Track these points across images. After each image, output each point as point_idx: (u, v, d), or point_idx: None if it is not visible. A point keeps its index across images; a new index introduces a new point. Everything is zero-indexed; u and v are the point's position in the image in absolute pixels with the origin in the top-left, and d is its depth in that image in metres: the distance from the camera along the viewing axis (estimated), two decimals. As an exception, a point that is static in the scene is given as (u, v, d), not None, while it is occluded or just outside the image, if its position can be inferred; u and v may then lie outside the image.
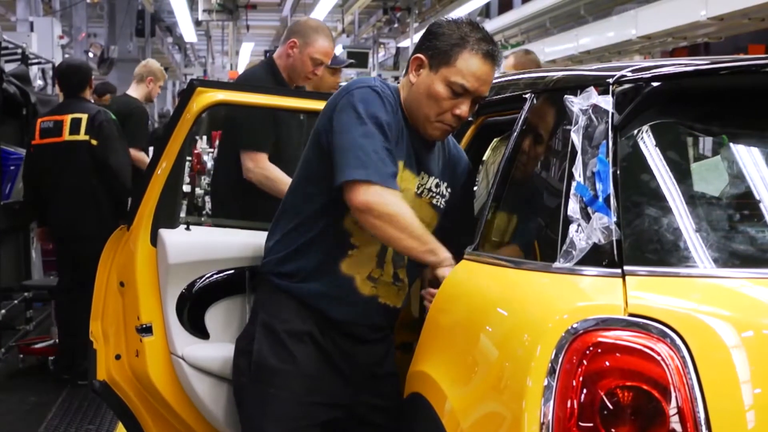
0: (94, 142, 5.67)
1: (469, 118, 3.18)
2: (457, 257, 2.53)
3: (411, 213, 2.49)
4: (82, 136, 5.67)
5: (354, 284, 2.66)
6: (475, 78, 2.56)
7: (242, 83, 4.02)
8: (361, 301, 2.68)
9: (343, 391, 2.72)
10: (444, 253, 2.52)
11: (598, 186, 2.05)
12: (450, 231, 2.72)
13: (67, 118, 5.72)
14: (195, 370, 3.00)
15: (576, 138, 2.14)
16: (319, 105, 3.28)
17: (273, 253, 2.75)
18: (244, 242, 3.11)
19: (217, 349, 3.01)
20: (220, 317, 3.07)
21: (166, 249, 3.00)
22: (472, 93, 2.58)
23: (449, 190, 2.75)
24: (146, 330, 3.00)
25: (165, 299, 3.01)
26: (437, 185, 2.71)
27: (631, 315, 1.86)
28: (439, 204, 2.72)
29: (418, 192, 2.66)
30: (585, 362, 1.82)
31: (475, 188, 3.36)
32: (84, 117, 5.68)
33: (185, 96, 3.04)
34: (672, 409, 1.78)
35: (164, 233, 3.04)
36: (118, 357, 3.11)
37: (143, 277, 3.02)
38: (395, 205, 2.46)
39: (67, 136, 5.70)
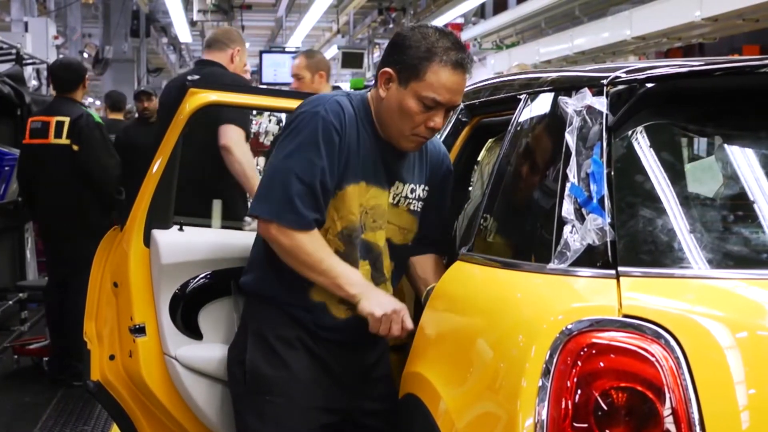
0: (75, 147, 5.64)
1: (464, 119, 3.20)
2: (442, 252, 2.64)
3: (313, 247, 2.48)
4: (64, 140, 5.65)
5: (327, 310, 2.62)
6: (446, 90, 2.50)
7: (237, 84, 4.01)
8: (342, 324, 2.63)
9: (339, 396, 2.68)
10: (356, 288, 2.50)
11: (593, 187, 2.05)
12: (424, 231, 2.74)
13: (53, 121, 5.70)
14: (188, 370, 3.00)
15: (570, 139, 2.14)
16: None
17: (250, 272, 2.74)
18: (237, 243, 3.10)
19: (210, 350, 3.01)
20: (213, 318, 3.07)
21: (159, 249, 3.00)
22: (444, 105, 2.53)
23: (426, 189, 2.72)
24: (139, 330, 3.00)
25: (158, 300, 3.01)
26: (413, 190, 2.67)
27: (625, 316, 1.87)
28: (417, 209, 2.70)
29: (394, 202, 2.63)
30: (579, 363, 1.82)
31: (470, 188, 3.36)
32: (66, 121, 5.66)
33: (178, 97, 3.04)
34: (666, 410, 1.78)
35: (157, 234, 3.04)
36: (112, 357, 3.11)
37: (136, 278, 3.02)
38: (290, 245, 2.48)
39: (52, 138, 5.69)
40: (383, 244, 2.65)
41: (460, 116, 3.20)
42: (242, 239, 3.08)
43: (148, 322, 3.01)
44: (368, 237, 2.60)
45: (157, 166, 3.03)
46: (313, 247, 2.48)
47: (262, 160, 7.38)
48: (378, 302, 2.49)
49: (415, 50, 2.49)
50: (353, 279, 2.51)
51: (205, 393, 3.01)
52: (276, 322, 2.65)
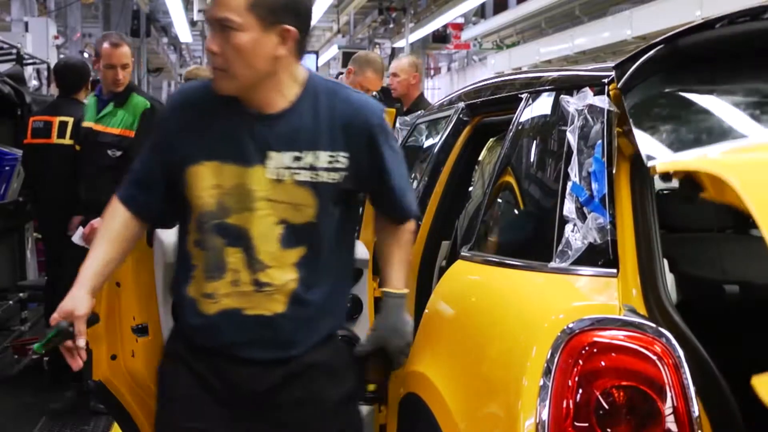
0: (78, 147, 5.65)
1: (465, 119, 3.19)
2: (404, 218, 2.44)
3: (102, 231, 2.41)
4: (67, 141, 5.65)
5: (197, 306, 2.37)
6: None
7: None
8: (215, 321, 2.34)
9: (222, 417, 2.38)
10: (67, 299, 2.33)
11: (594, 186, 2.05)
12: (377, 208, 2.49)
13: (56, 121, 5.70)
14: None
15: (572, 138, 2.14)
16: None
17: None
18: None
19: None
20: None
21: (163, 248, 3.01)
22: (212, 21, 2.24)
23: (345, 156, 2.30)
24: (142, 330, 3.01)
25: (161, 299, 3.01)
26: (297, 158, 2.28)
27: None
28: (314, 179, 2.28)
29: (275, 177, 2.27)
30: (581, 362, 1.82)
31: (470, 188, 3.36)
32: (70, 121, 5.66)
33: None
34: (667, 409, 1.78)
35: (160, 233, 3.04)
36: (113, 357, 3.11)
37: (139, 278, 3.02)
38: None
39: (55, 139, 5.68)
40: (264, 228, 2.30)
41: (461, 116, 3.20)
42: None
43: (151, 321, 3.01)
44: (234, 221, 2.30)
45: None
46: (104, 224, 2.43)
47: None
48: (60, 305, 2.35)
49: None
50: (80, 274, 2.35)
51: None
52: (171, 335, 2.54)
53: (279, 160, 2.28)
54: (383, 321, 2.43)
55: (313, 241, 2.32)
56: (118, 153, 4.89)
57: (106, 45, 4.85)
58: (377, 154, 2.34)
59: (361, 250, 3.27)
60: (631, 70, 2.08)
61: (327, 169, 2.29)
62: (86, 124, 5.13)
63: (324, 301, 2.36)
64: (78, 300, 2.32)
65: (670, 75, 2.13)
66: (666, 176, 1.98)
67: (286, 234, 2.30)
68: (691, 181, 1.94)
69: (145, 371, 3.00)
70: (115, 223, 2.42)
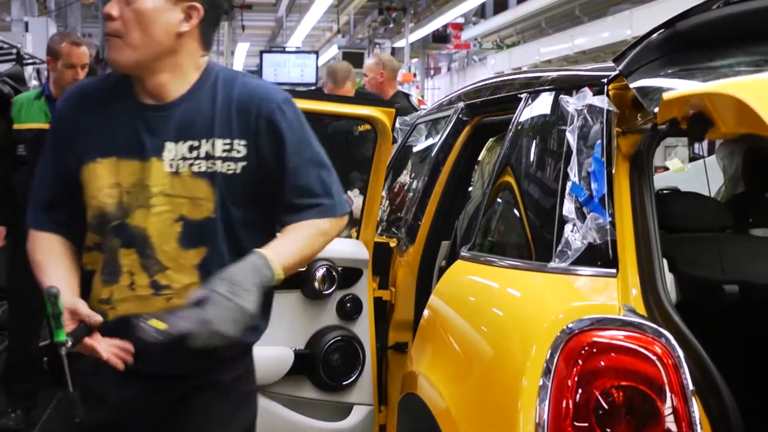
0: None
1: (464, 119, 3.19)
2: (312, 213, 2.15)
3: (41, 251, 2.18)
4: None
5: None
6: None
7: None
8: (114, 328, 2.11)
9: None
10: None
11: (594, 186, 2.05)
12: (279, 198, 2.18)
13: None
14: None
15: (571, 138, 2.14)
16: (314, 105, 3.26)
17: None
18: None
19: None
20: None
21: None
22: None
23: (242, 145, 2.13)
24: None
25: None
26: (192, 148, 2.12)
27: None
28: (210, 169, 2.12)
29: (173, 170, 2.12)
30: (580, 362, 1.82)
31: (470, 188, 3.36)
32: None
33: None
34: (667, 409, 1.78)
35: None
36: None
37: None
38: (30, 249, 2.21)
39: None
40: (160, 227, 2.13)
41: (460, 116, 3.20)
42: None
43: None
44: (131, 220, 2.14)
45: None
46: (42, 248, 2.20)
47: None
48: None
49: None
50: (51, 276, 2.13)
51: None
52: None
53: (176, 151, 2.12)
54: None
55: (214, 241, 2.14)
56: None
57: (66, 44, 4.70)
58: (278, 136, 2.14)
59: (361, 250, 3.27)
60: (632, 54, 2.08)
61: (223, 159, 2.12)
62: (37, 126, 4.71)
63: None
64: (73, 300, 2.06)
65: (671, 58, 2.13)
66: (672, 128, 1.95)
67: (185, 232, 2.13)
68: (698, 118, 1.90)
69: None
70: (48, 245, 2.20)
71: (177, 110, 2.14)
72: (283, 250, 2.11)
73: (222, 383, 2.22)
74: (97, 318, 2.04)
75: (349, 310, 3.21)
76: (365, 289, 3.22)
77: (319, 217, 2.17)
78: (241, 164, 2.13)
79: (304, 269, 3.12)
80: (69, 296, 2.06)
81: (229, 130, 2.13)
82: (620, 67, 2.08)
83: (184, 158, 2.12)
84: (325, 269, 3.15)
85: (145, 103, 2.15)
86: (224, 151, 2.12)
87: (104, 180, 2.14)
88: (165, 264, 2.14)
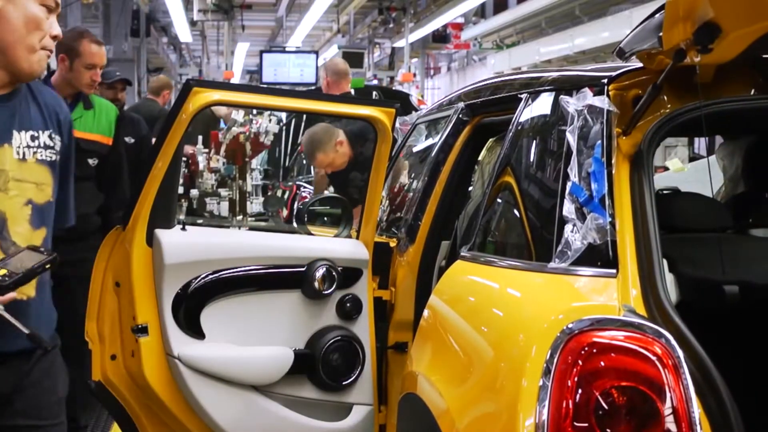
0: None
1: (464, 119, 3.19)
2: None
3: None
4: None
5: None
6: None
7: (238, 83, 4.03)
8: None
9: None
10: None
11: (594, 186, 2.05)
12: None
13: None
14: (191, 370, 2.99)
15: (571, 138, 2.14)
16: (314, 105, 3.29)
17: None
18: (239, 242, 3.10)
19: (212, 350, 3.02)
20: (216, 317, 3.07)
21: (162, 249, 3.01)
22: (55, 8, 2.30)
23: (58, 140, 2.40)
24: (142, 330, 3.00)
25: (161, 300, 3.01)
26: (34, 137, 2.34)
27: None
28: (49, 158, 2.36)
29: (20, 156, 2.30)
30: (580, 362, 1.82)
31: (470, 188, 3.35)
32: None
33: (181, 96, 3.03)
34: (667, 409, 1.78)
35: (160, 233, 3.04)
36: (113, 357, 3.12)
37: (139, 278, 3.02)
38: None
39: None
40: (15, 209, 2.30)
41: (461, 116, 3.20)
42: (245, 239, 3.07)
43: (151, 321, 3.01)
44: None
45: (160, 166, 3.02)
46: None
47: (255, 160, 7.45)
48: None
49: None
50: None
51: (208, 392, 3.01)
52: None
53: (21, 139, 2.31)
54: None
55: (52, 223, 2.40)
56: (96, 161, 4.38)
57: (88, 42, 4.36)
58: (70, 149, 2.46)
59: (361, 250, 3.27)
60: (631, 34, 2.09)
61: (53, 149, 2.37)
62: None
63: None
64: None
65: None
66: (679, 54, 1.95)
67: (34, 215, 2.33)
68: (702, 29, 1.90)
69: (145, 372, 3.00)
70: None
71: (15, 102, 2.34)
72: None
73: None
74: None
75: (349, 310, 3.20)
76: (365, 289, 3.22)
77: None
78: (57, 155, 2.40)
79: (303, 268, 3.12)
80: None
81: (51, 123, 2.40)
82: (622, 44, 2.08)
83: (27, 146, 2.33)
84: (325, 269, 3.14)
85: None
86: (52, 141, 2.39)
87: None
88: (20, 245, 2.30)
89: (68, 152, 2.46)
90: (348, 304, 3.19)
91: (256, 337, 3.10)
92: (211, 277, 3.06)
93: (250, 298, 3.09)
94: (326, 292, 3.15)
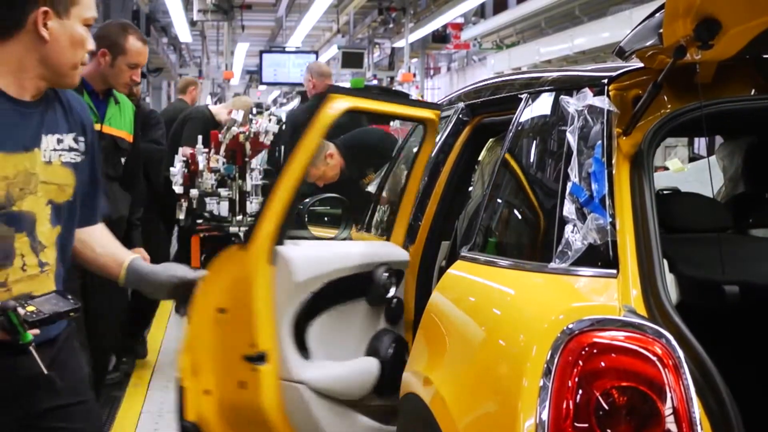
0: None
1: (464, 119, 3.19)
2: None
3: None
4: None
5: None
6: (94, 6, 2.39)
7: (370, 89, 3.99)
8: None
9: None
10: None
11: (594, 186, 2.05)
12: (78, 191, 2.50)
13: None
14: (316, 394, 2.83)
15: (572, 138, 2.14)
16: (374, 106, 3.10)
17: None
18: (339, 253, 3.05)
19: (326, 369, 2.88)
20: (315, 334, 2.91)
21: (290, 267, 2.81)
22: (93, 20, 2.39)
23: (82, 141, 2.49)
24: (260, 358, 2.76)
25: (282, 322, 2.80)
26: (59, 141, 2.44)
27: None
28: (70, 160, 2.45)
29: (46, 159, 2.39)
30: (580, 362, 1.82)
31: (470, 189, 3.35)
32: None
33: (317, 103, 2.83)
34: (667, 410, 1.78)
35: (282, 250, 2.82)
36: (207, 392, 2.87)
37: (260, 301, 2.78)
38: None
39: None
40: (39, 209, 2.40)
41: (461, 116, 3.20)
42: (341, 249, 3.02)
43: (271, 347, 2.77)
44: (18, 207, 2.36)
45: (290, 179, 2.81)
46: None
47: (255, 160, 7.46)
48: None
49: None
50: None
51: (330, 416, 2.85)
52: None
53: (47, 143, 2.39)
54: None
55: (69, 221, 2.47)
56: (124, 160, 4.28)
57: (135, 39, 4.07)
58: (94, 146, 2.53)
59: (403, 252, 3.22)
60: (631, 33, 2.08)
61: (77, 150, 2.46)
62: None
63: (61, 274, 2.48)
64: None
65: None
66: (680, 51, 1.95)
67: (53, 213, 2.41)
68: (703, 25, 1.90)
69: (264, 403, 2.78)
70: None
71: (44, 107, 2.40)
72: None
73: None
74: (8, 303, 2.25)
75: (396, 312, 3.14)
76: (404, 291, 3.18)
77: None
78: (82, 156, 2.47)
79: (368, 273, 3.03)
80: None
81: (76, 126, 2.47)
82: (622, 43, 2.09)
83: (54, 149, 2.41)
84: (387, 273, 3.05)
85: (13, 100, 2.35)
86: (77, 143, 2.46)
87: None
88: (44, 243, 2.39)
89: (93, 152, 2.53)
90: (395, 307, 3.14)
91: (346, 350, 3.00)
92: (318, 292, 2.92)
93: (338, 309, 2.99)
94: (389, 296, 3.08)
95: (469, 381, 2.16)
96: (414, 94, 13.30)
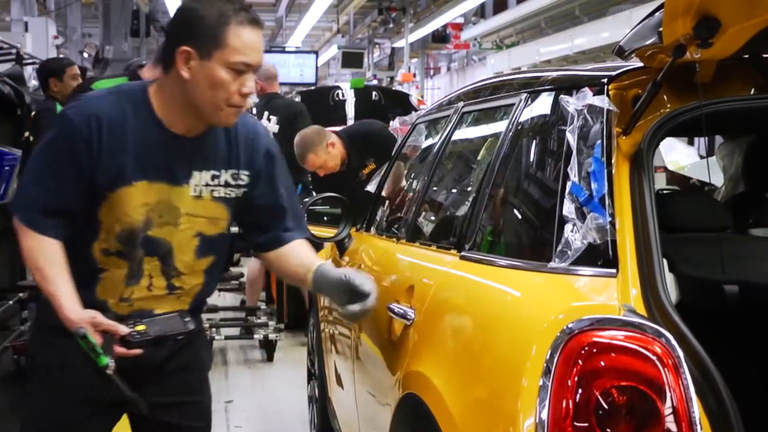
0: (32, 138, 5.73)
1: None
2: (303, 235, 2.64)
3: (43, 255, 2.40)
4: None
5: (109, 308, 2.47)
6: (252, 49, 2.38)
7: None
8: (127, 319, 2.47)
9: (112, 389, 2.44)
10: (70, 313, 2.35)
11: (594, 186, 2.05)
12: (258, 224, 2.65)
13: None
14: None
15: (571, 138, 2.14)
16: None
17: None
18: None
19: None
20: None
21: None
22: (253, 66, 2.40)
23: (247, 174, 2.56)
24: None
25: None
26: (214, 177, 2.51)
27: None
28: (227, 195, 2.54)
29: (196, 193, 2.49)
30: (580, 362, 1.82)
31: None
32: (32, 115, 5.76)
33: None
34: (667, 409, 1.78)
35: None
36: None
37: None
38: (26, 245, 2.43)
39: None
40: (183, 241, 2.52)
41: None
42: None
43: None
44: (155, 233, 2.48)
45: None
46: (42, 252, 2.42)
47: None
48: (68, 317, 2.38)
49: (208, 19, 2.34)
50: (65, 303, 2.38)
51: None
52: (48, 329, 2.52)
53: (200, 178, 2.49)
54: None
55: (222, 250, 2.62)
56: None
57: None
58: (273, 175, 2.60)
59: None
60: (631, 32, 2.08)
61: (237, 186, 2.54)
62: None
63: (211, 291, 2.67)
64: (88, 313, 2.36)
65: None
66: (679, 49, 1.95)
67: (202, 245, 2.54)
68: (702, 24, 1.90)
69: None
70: (50, 251, 2.41)
71: (202, 143, 2.48)
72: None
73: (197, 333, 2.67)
74: (120, 329, 2.36)
75: None
76: None
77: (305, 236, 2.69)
78: (243, 189, 2.56)
79: None
80: (82, 311, 2.36)
81: (240, 162, 2.53)
82: (621, 42, 2.09)
83: (206, 185, 2.50)
84: None
85: (175, 134, 2.45)
86: (237, 178, 2.54)
87: (136, 201, 2.43)
88: (182, 271, 2.53)
89: (272, 180, 2.60)
90: None
91: None
92: None
93: None
94: None
95: (469, 380, 2.16)
96: (414, 94, 13.30)
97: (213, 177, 2.51)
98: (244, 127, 2.54)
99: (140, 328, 2.39)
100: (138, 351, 2.37)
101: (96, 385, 2.42)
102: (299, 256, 2.64)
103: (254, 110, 6.63)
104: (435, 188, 3.23)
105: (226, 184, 2.53)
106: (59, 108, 5.73)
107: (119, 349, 2.34)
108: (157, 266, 2.50)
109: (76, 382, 2.49)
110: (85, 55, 17.16)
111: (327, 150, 5.43)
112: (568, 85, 2.32)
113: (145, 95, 2.44)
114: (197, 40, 2.34)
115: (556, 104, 2.29)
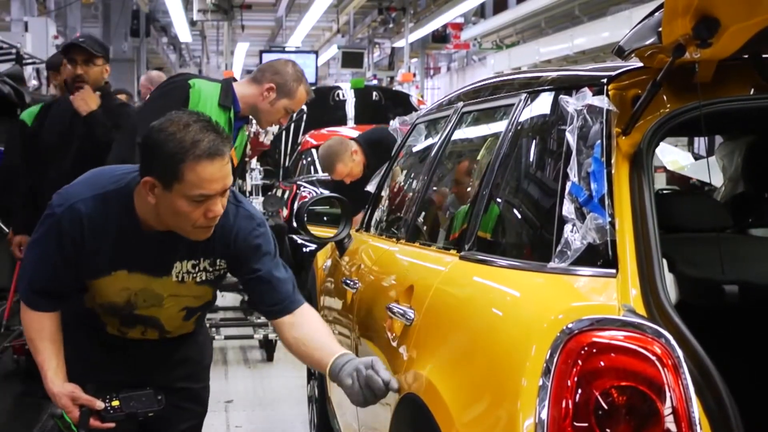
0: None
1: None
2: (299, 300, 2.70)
3: (34, 327, 2.71)
4: None
5: (111, 332, 2.85)
6: (210, 181, 2.43)
7: None
8: (120, 339, 2.87)
9: (119, 372, 2.82)
10: (53, 385, 2.62)
11: (593, 186, 2.05)
12: (267, 302, 2.75)
13: None
14: None
15: (571, 138, 2.14)
16: None
17: None
18: None
19: None
20: None
21: None
22: (214, 195, 2.47)
23: (223, 261, 2.72)
24: None
25: None
26: (194, 265, 2.70)
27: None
28: (207, 278, 2.73)
29: (179, 279, 2.69)
30: (580, 362, 1.82)
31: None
32: None
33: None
34: (666, 409, 1.78)
35: None
36: None
37: None
38: (24, 318, 2.77)
39: None
40: (170, 315, 2.79)
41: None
42: None
43: None
44: (141, 312, 2.76)
45: None
46: (34, 326, 2.71)
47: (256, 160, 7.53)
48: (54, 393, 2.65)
49: (166, 153, 2.40)
50: (49, 375, 2.64)
51: None
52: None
53: (182, 267, 2.69)
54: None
55: (209, 305, 2.91)
56: None
57: (304, 91, 3.86)
58: (260, 261, 2.70)
59: None
60: (631, 32, 2.07)
61: (212, 271, 2.73)
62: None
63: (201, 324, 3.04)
64: (68, 387, 2.63)
65: None
66: (679, 50, 1.95)
67: (188, 313, 2.82)
68: (701, 24, 1.90)
69: None
70: (39, 324, 2.71)
71: (177, 241, 2.62)
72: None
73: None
74: (96, 404, 2.62)
75: None
76: None
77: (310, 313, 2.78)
78: (224, 270, 2.76)
79: None
80: (63, 385, 2.63)
81: (215, 251, 2.69)
82: (621, 42, 2.09)
83: (188, 272, 2.70)
84: None
85: (151, 231, 2.61)
86: (212, 264, 2.72)
87: (116, 286, 2.68)
88: (171, 330, 2.86)
89: (247, 257, 2.70)
90: None
91: None
92: None
93: None
94: None
95: (468, 381, 2.16)
96: (414, 94, 13.31)
97: (193, 266, 2.70)
98: (222, 224, 2.61)
99: (115, 403, 2.65)
100: (111, 425, 2.63)
101: (91, 374, 2.73)
102: (311, 338, 2.67)
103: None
104: (435, 188, 3.23)
105: (205, 270, 2.72)
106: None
107: (94, 423, 2.61)
108: (141, 329, 2.82)
109: (72, 377, 2.68)
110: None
111: (352, 158, 5.59)
112: (567, 85, 2.32)
113: (130, 198, 2.58)
114: (158, 172, 2.45)
115: (555, 104, 2.28)
